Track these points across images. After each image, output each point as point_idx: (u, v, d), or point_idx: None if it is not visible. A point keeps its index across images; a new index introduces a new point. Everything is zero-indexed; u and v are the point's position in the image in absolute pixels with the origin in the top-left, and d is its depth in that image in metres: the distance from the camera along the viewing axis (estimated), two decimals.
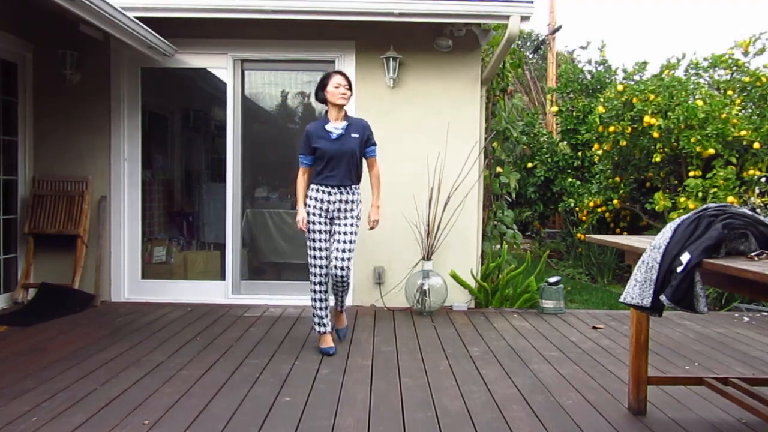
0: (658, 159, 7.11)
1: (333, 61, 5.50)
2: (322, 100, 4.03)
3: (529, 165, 9.80)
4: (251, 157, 5.79)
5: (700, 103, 6.68)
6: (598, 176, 8.41)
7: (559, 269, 8.70)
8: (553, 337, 4.52)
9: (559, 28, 13.83)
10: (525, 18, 4.89)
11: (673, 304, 2.24)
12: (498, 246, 5.86)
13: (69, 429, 2.68)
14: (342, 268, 3.92)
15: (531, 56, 16.85)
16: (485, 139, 5.72)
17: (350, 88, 4.00)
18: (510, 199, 6.22)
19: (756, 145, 6.49)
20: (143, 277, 5.64)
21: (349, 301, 5.51)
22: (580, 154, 9.35)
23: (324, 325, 4.04)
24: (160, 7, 4.95)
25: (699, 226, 2.35)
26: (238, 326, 4.67)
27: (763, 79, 7.08)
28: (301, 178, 4.04)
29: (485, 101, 5.75)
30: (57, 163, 5.52)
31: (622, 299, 2.55)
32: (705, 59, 7.83)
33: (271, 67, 5.81)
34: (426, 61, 5.48)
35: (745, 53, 7.66)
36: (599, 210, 8.34)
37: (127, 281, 5.58)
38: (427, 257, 5.32)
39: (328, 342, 4.02)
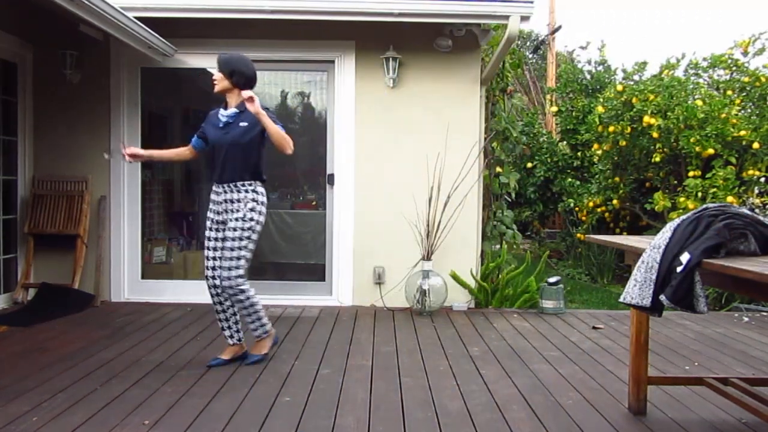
0: (657, 159, 7.12)
1: (333, 61, 5.50)
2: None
3: (529, 165, 9.80)
4: None
5: (699, 103, 6.68)
6: (597, 176, 8.42)
7: (559, 269, 8.70)
8: (553, 337, 4.53)
9: (559, 28, 13.83)
10: (525, 18, 4.89)
11: (673, 304, 2.25)
12: (498, 246, 5.86)
13: (69, 429, 2.68)
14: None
15: (531, 56, 16.84)
16: (485, 139, 5.72)
17: (225, 78, 3.94)
18: (510, 199, 6.22)
19: (755, 145, 6.49)
20: (143, 277, 5.64)
21: (349, 301, 5.52)
22: (579, 154, 9.35)
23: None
24: (159, 7, 4.95)
25: (699, 226, 2.35)
26: None
27: (763, 79, 7.08)
28: (178, 150, 4.19)
29: (485, 101, 5.75)
30: (57, 163, 5.52)
31: (621, 299, 2.55)
32: (704, 59, 7.82)
33: (271, 67, 5.80)
34: (426, 61, 5.48)
35: (745, 53, 7.66)
36: (599, 210, 8.34)
37: (127, 281, 5.57)
38: (427, 257, 5.32)
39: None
